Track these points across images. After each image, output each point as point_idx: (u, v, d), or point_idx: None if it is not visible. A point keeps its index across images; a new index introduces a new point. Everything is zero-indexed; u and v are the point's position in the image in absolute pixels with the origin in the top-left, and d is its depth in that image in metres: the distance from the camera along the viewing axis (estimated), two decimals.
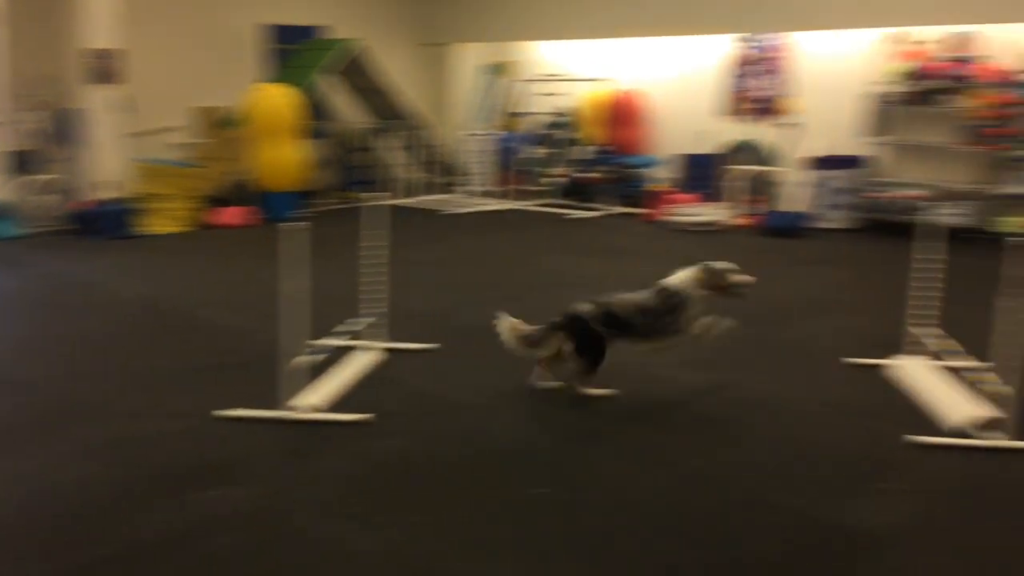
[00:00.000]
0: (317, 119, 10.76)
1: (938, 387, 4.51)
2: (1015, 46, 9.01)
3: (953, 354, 4.74)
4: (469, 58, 13.39)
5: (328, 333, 4.94)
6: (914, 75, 9.39)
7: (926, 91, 9.38)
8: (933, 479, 3.68)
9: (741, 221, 10.13)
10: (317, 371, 4.44)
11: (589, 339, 4.42)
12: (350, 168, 11.78)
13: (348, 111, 11.91)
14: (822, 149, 10.11)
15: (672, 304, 4.54)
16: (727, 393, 4.71)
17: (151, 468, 3.64)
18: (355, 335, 5.07)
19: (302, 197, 10.15)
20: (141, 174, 9.55)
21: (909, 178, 9.71)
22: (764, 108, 10.84)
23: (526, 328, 4.56)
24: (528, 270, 7.87)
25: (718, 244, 9.21)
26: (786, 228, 9.65)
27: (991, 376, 4.09)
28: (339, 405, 4.26)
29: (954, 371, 4.66)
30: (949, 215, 9.16)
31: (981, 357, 4.48)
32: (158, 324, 5.93)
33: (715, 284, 4.63)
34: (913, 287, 4.95)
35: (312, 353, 4.38)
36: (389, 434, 4.01)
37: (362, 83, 11.55)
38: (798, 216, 9.88)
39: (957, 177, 9.43)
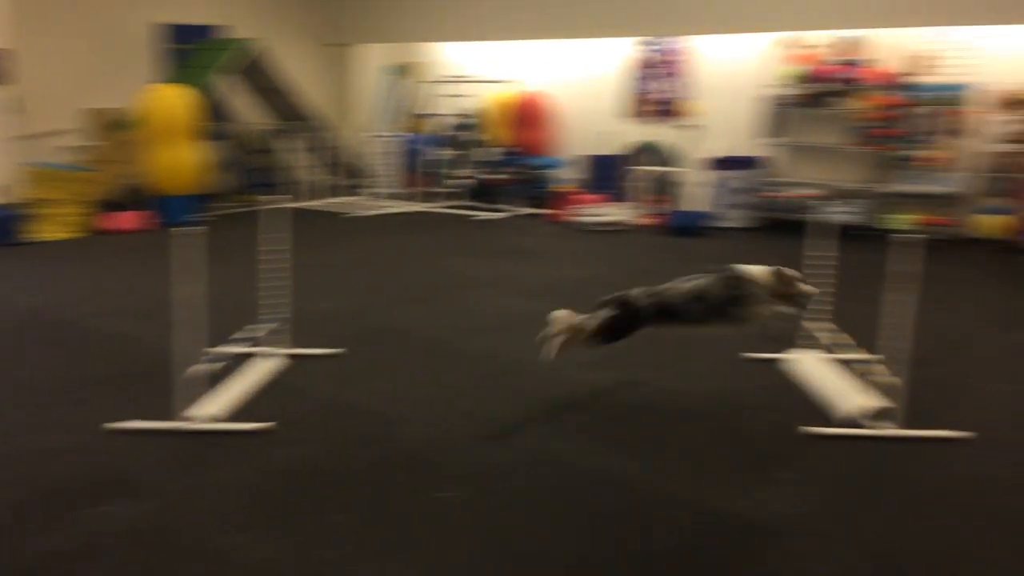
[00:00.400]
0: (215, 120, 10.49)
1: (831, 379, 4.67)
2: (900, 50, 9.41)
3: (845, 347, 4.92)
4: (373, 59, 13.28)
5: (227, 340, 4.80)
6: (806, 78, 9.73)
7: (818, 94, 9.73)
8: (827, 468, 3.79)
9: (645, 221, 10.30)
10: (215, 380, 4.33)
11: (626, 325, 4.42)
12: (250, 170, 11.53)
13: (248, 112, 11.65)
14: (721, 150, 10.37)
15: (735, 293, 4.44)
16: (630, 391, 4.77)
17: (40, 485, 3.47)
18: (256, 341, 4.96)
19: (200, 201, 9.88)
20: (30, 178, 9.15)
21: (803, 178, 10.06)
22: (665, 110, 11.06)
23: (577, 318, 4.55)
24: (435, 272, 7.83)
25: (624, 244, 9.36)
26: (689, 227, 9.86)
27: (880, 368, 4.25)
28: (239, 414, 4.15)
29: (846, 363, 4.84)
30: (841, 213, 9.50)
31: (871, 350, 4.66)
32: (47, 334, 5.68)
33: (783, 290, 4.50)
34: (807, 283, 5.10)
35: (210, 361, 4.26)
36: (292, 442, 3.93)
37: (263, 83, 11.32)
38: (700, 215, 10.11)
39: (848, 176, 9.81)
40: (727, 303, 4.42)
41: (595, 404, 4.57)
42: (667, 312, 4.44)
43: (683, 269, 7.94)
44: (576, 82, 11.70)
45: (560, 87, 11.80)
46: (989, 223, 9.04)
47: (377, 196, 12.24)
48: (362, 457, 3.83)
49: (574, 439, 4.09)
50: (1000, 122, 8.93)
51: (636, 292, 4.47)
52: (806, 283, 4.54)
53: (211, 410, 4.05)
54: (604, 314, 4.44)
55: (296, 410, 4.30)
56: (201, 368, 4.10)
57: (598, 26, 10.91)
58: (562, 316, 4.54)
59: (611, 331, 4.45)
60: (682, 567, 3.01)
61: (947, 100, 9.13)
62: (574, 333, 4.49)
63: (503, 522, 3.27)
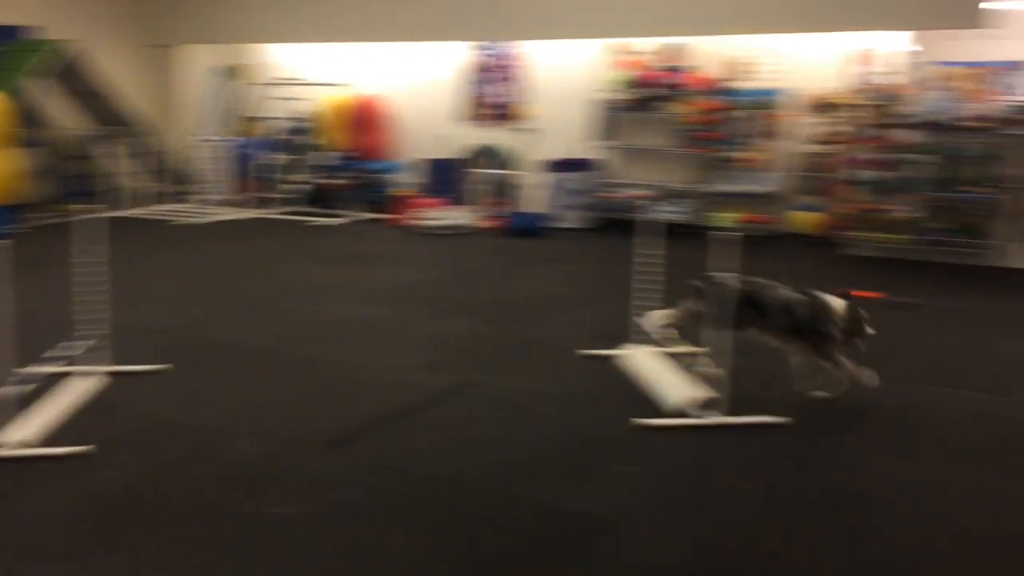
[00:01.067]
0: (28, 126, 9.80)
1: (661, 373, 4.84)
2: (719, 57, 9.90)
3: (673, 341, 5.11)
4: (199, 60, 12.76)
5: (39, 359, 4.49)
6: (634, 83, 10.08)
7: (645, 98, 10.10)
8: (658, 459, 3.93)
9: (485, 223, 10.39)
10: (26, 402, 4.03)
11: (727, 308, 4.35)
12: (68, 178, 10.83)
13: (64, 117, 10.94)
14: (557, 153, 10.60)
15: (820, 320, 4.46)
16: (468, 393, 4.78)
17: None
18: (72, 360, 4.66)
19: (13, 211, 9.20)
20: None
21: (634, 179, 10.42)
22: (502, 114, 11.19)
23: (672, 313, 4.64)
24: (271, 280, 7.61)
25: (464, 246, 9.40)
26: (527, 229, 10.02)
27: (705, 360, 4.44)
28: (54, 438, 3.88)
29: (675, 357, 5.03)
30: (669, 212, 9.91)
31: (697, 343, 4.86)
32: None
33: (853, 327, 4.52)
34: (638, 280, 5.28)
35: (19, 383, 3.96)
36: (113, 465, 3.70)
37: (79, 87, 10.68)
38: (538, 217, 10.29)
39: (675, 177, 10.23)
40: (806, 325, 4.47)
41: (434, 408, 4.55)
42: (755, 305, 4.50)
43: (524, 270, 8.19)
44: (413, 86, 11.66)
45: (397, 90, 11.73)
46: (803, 219, 9.63)
47: (207, 203, 11.78)
48: (190, 477, 3.66)
49: (413, 444, 4.06)
50: (809, 124, 9.55)
51: (730, 279, 4.45)
52: (869, 325, 4.57)
53: (22, 435, 3.77)
54: (700, 309, 4.52)
55: (117, 431, 4.06)
56: (9, 390, 3.81)
57: (431, 30, 10.91)
58: (659, 315, 4.73)
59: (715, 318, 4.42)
60: (518, 565, 3.04)
61: (762, 104, 9.68)
62: (683, 320, 4.65)
63: (341, 533, 3.20)
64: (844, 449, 4.06)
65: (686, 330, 4.78)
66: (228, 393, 4.66)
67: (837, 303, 4.52)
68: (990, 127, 8.08)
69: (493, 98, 11.25)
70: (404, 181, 11.42)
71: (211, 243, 9.40)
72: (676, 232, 8.75)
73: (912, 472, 3.82)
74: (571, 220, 10.50)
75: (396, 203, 10.83)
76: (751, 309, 4.49)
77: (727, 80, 9.85)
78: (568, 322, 6.29)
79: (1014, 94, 9.10)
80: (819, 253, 9.03)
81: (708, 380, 4.35)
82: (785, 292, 4.57)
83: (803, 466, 3.88)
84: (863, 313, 4.57)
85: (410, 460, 3.87)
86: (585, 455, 3.98)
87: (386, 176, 11.44)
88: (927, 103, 8.48)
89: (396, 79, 11.78)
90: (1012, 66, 9.29)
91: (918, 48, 9.06)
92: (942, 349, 5.69)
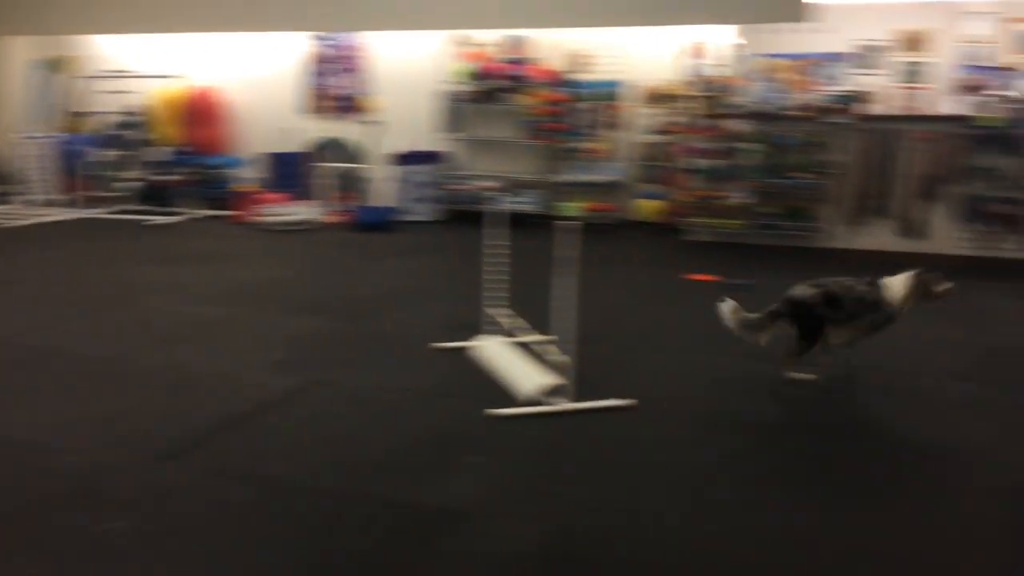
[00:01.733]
0: None
1: (512, 362, 4.88)
2: (560, 49, 10.08)
3: (523, 330, 5.17)
4: (19, 52, 11.91)
5: None
6: (478, 75, 10.12)
7: (489, 90, 10.16)
8: (511, 448, 3.96)
9: (332, 218, 10.20)
10: None
11: (811, 324, 4.63)
12: None
13: None
14: (404, 145, 10.51)
15: (879, 310, 4.74)
16: (318, 392, 4.67)
17: None
18: None
19: None
20: None
21: (482, 170, 10.47)
22: (346, 106, 11.00)
23: (748, 314, 4.75)
24: (104, 283, 7.20)
25: (311, 242, 9.19)
26: (376, 223, 9.90)
27: (554, 348, 4.51)
28: None
29: (525, 346, 5.08)
30: (518, 203, 10.03)
31: (545, 331, 4.93)
32: None
33: (926, 291, 4.78)
34: (487, 271, 5.31)
35: None
36: None
37: None
38: (386, 211, 10.18)
39: (522, 168, 10.35)
40: (869, 309, 4.74)
41: (282, 409, 4.43)
42: (833, 302, 4.71)
43: (373, 265, 8.08)
44: (252, 77, 11.28)
45: (235, 83, 11.32)
46: (647, 207, 9.94)
47: (32, 203, 11.03)
48: (10, 498, 3.41)
49: (259, 448, 3.93)
50: (648, 115, 9.86)
51: (805, 291, 4.74)
52: (944, 283, 4.87)
53: None
54: (792, 333, 4.70)
55: None
56: None
57: (269, 20, 10.56)
58: (731, 308, 4.82)
59: (809, 340, 4.71)
60: (372, 565, 3.00)
61: (603, 96, 9.93)
62: (750, 332, 4.77)
63: (182, 547, 3.06)
64: (685, 428, 4.22)
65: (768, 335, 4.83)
66: (54, 404, 4.37)
67: (898, 280, 4.80)
68: (813, 116, 8.57)
69: (336, 90, 11.04)
70: (246, 176, 11.05)
71: (36, 246, 8.81)
72: (525, 222, 8.87)
73: (750, 443, 4.00)
74: (420, 213, 10.45)
75: (238, 199, 10.47)
76: (829, 310, 4.72)
77: (569, 72, 10.04)
78: (421, 315, 6.25)
79: (834, 84, 9.69)
80: (662, 239, 9.35)
81: (557, 367, 4.42)
82: (851, 283, 4.84)
83: (649, 447, 4.00)
84: (931, 277, 4.85)
85: (256, 465, 3.75)
86: (438, 448, 3.96)
87: (226, 171, 11.04)
88: (754, 94, 8.91)
89: (234, 71, 11.37)
90: (832, 58, 9.89)
91: (744, 41, 9.50)
92: None
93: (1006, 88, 8.98)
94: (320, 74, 11.05)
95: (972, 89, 9.06)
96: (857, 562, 3.02)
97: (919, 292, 4.79)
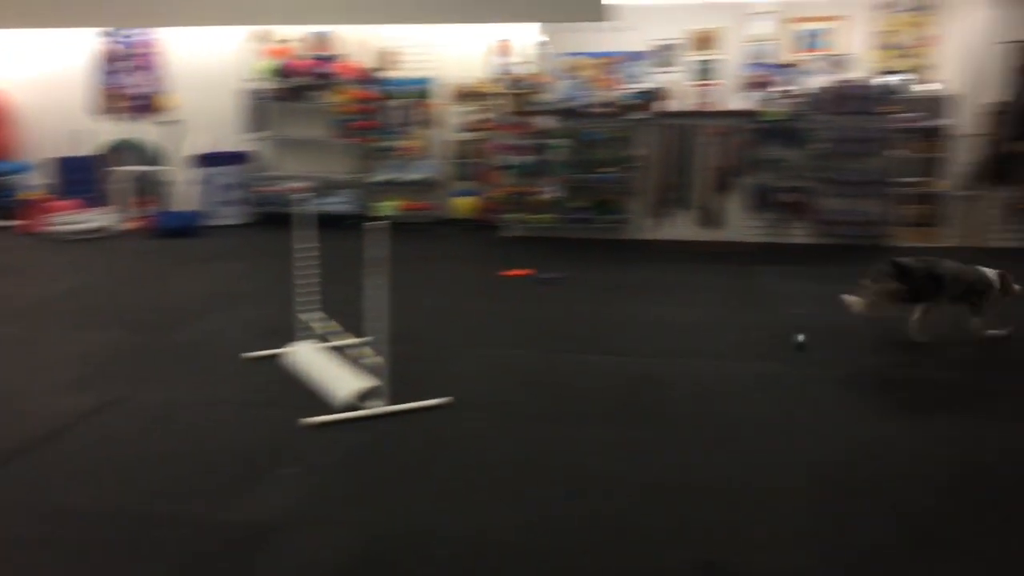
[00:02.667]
0: None
1: (326, 367, 4.77)
2: (368, 46, 9.95)
3: (337, 334, 5.06)
4: None
5: None
6: (282, 72, 9.81)
7: (296, 88, 9.88)
8: (328, 456, 3.87)
9: (131, 224, 9.64)
10: None
11: (913, 287, 5.29)
12: None
13: None
14: (206, 146, 10.05)
15: (981, 287, 5.37)
16: (114, 411, 4.39)
17: None
18: None
19: None
20: None
21: (292, 171, 10.17)
22: (141, 106, 10.40)
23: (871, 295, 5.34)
24: None
25: (109, 251, 8.64)
26: (179, 228, 9.43)
27: (369, 349, 4.44)
28: None
29: (339, 350, 4.98)
30: (331, 204, 9.83)
31: (360, 333, 4.85)
32: None
33: (1007, 288, 5.45)
34: (299, 275, 5.16)
35: None
36: None
37: None
38: (190, 215, 9.72)
39: (335, 168, 10.14)
40: (975, 294, 5.38)
41: (76, 431, 4.12)
42: (935, 279, 5.31)
43: (178, 272, 7.67)
44: (39, 77, 10.45)
45: (20, 83, 10.45)
46: (462, 205, 9.99)
47: None
48: None
49: (48, 477, 3.65)
50: (460, 113, 9.90)
51: (906, 260, 5.38)
52: (1017, 285, 5.50)
53: None
54: (887, 284, 5.32)
55: None
56: None
57: (54, 16, 9.77)
58: (853, 300, 5.40)
59: (904, 293, 5.33)
60: None
61: (415, 93, 9.88)
62: (873, 303, 5.34)
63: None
64: (502, 422, 4.26)
65: (880, 308, 5.40)
66: None
67: (992, 273, 5.45)
68: (616, 113, 8.88)
69: (130, 89, 10.41)
70: (34, 183, 10.23)
71: None
72: (339, 223, 8.70)
73: (565, 435, 4.09)
74: (227, 216, 10.03)
75: (26, 208, 9.68)
76: (932, 282, 5.33)
77: (378, 69, 9.93)
78: (232, 323, 6.00)
79: (635, 82, 10.08)
80: (478, 236, 9.42)
81: (372, 370, 4.35)
82: (952, 264, 5.44)
83: (466, 446, 4.01)
84: (1010, 278, 5.49)
85: (46, 496, 3.47)
86: (249, 462, 3.81)
87: (12, 178, 10.18)
88: (560, 91, 9.14)
89: (18, 70, 10.49)
90: (632, 56, 10.28)
91: (547, 39, 9.72)
92: (582, 318, 6.16)
93: (789, 84, 9.65)
94: (112, 73, 10.38)
95: (758, 86, 9.67)
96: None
97: (1002, 286, 5.47)
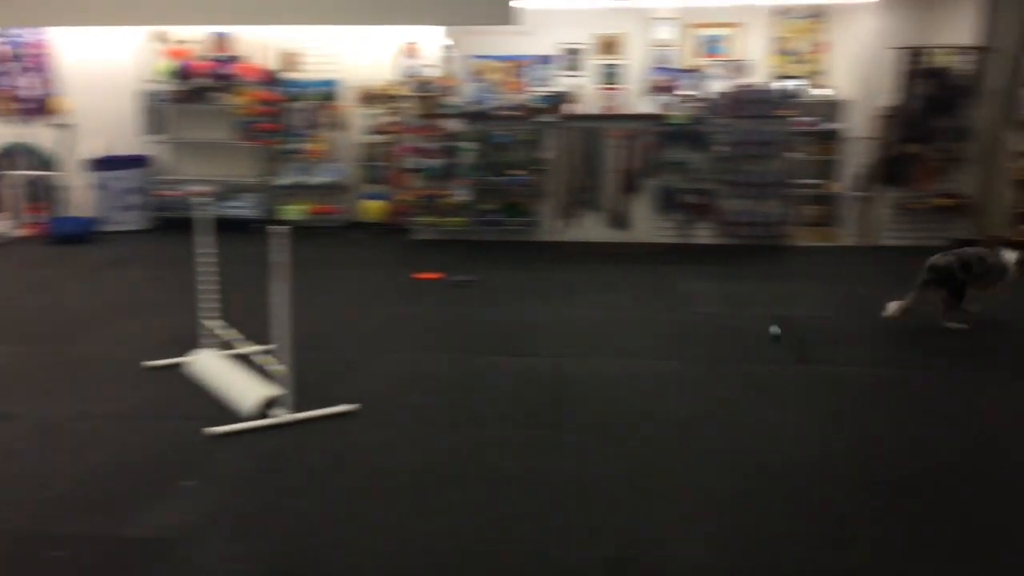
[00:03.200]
0: None
1: (230, 376, 4.65)
2: (271, 47, 9.76)
3: (240, 341, 4.94)
4: None
5: None
6: (182, 74, 9.54)
7: (196, 89, 9.61)
8: (230, 467, 3.77)
9: (24, 231, 9.24)
10: None
11: (956, 284, 5.79)
12: None
13: None
14: (102, 149, 9.70)
15: (999, 268, 5.88)
16: (5, 427, 4.19)
17: None
18: None
19: None
20: None
21: (195, 174, 9.89)
22: (33, 108, 9.96)
23: (907, 301, 5.83)
24: None
25: (0, 259, 8.26)
26: (74, 234, 9.07)
27: (273, 357, 4.34)
28: None
29: (244, 357, 4.86)
30: (236, 208, 9.60)
31: (265, 340, 4.75)
32: None
33: (1021, 271, 5.91)
34: (202, 281, 5.02)
35: None
36: None
37: None
38: (86, 221, 9.35)
39: (239, 171, 9.91)
40: (996, 276, 5.87)
41: None
42: (966, 266, 5.78)
43: (73, 281, 7.38)
44: None
45: None
46: (371, 208, 9.88)
47: None
48: None
49: None
50: (367, 115, 9.80)
51: (944, 258, 5.83)
52: None
53: None
54: (942, 296, 5.82)
55: None
56: None
57: None
58: (894, 306, 5.86)
59: (956, 298, 5.83)
60: None
61: (321, 95, 9.74)
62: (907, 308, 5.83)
63: None
64: (411, 427, 4.23)
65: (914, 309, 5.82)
66: None
67: (1010, 255, 5.93)
68: (524, 116, 8.92)
69: (20, 91, 9.96)
70: None
71: None
72: (245, 228, 8.50)
73: (476, 439, 4.08)
74: (125, 222, 9.69)
75: None
76: (964, 270, 5.79)
77: (282, 71, 9.75)
78: (132, 332, 5.80)
79: (542, 85, 10.15)
80: (389, 240, 9.34)
81: (276, 378, 4.26)
82: (974, 251, 5.93)
83: (373, 452, 3.96)
84: None
85: None
86: (150, 476, 3.69)
87: None
88: (468, 94, 9.13)
89: None
90: (539, 60, 10.36)
91: (454, 43, 9.71)
92: (493, 320, 6.16)
93: (691, 88, 9.86)
94: (1, 74, 9.92)
95: (662, 90, 9.86)
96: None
97: (1016, 274, 5.93)
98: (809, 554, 3.09)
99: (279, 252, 4.06)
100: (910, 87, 8.53)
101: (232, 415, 4.25)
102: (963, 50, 8.52)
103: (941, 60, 8.53)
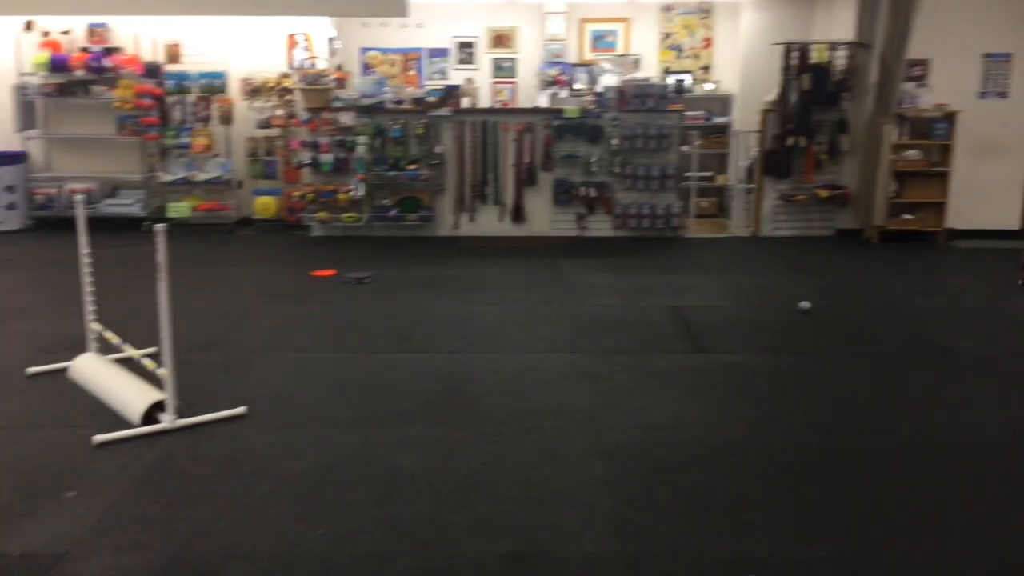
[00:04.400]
0: None
1: (116, 381, 4.45)
2: (153, 39, 9.41)
3: (128, 344, 4.74)
4: None
5: None
6: (57, 66, 9.09)
7: (74, 82, 9.19)
8: (116, 476, 3.61)
9: None
10: None
11: None
12: None
13: None
14: None
15: None
16: None
17: None
18: None
19: None
20: None
21: (76, 171, 9.46)
22: None
23: None
24: None
25: None
26: None
27: (159, 360, 4.18)
28: None
29: (129, 361, 4.67)
30: (122, 206, 9.23)
31: (151, 342, 4.57)
32: None
33: None
34: (86, 283, 4.78)
35: None
36: None
37: None
38: None
39: (124, 167, 9.52)
40: None
41: None
42: None
43: None
44: None
45: None
46: (264, 204, 9.63)
47: None
48: None
49: None
50: (257, 108, 9.54)
51: None
52: None
53: None
54: None
55: None
56: None
57: None
58: None
59: None
60: None
61: (207, 89, 9.43)
62: None
63: None
64: (305, 428, 4.14)
65: None
66: None
67: None
68: (418, 109, 8.84)
69: None
70: None
71: None
72: (132, 226, 8.20)
73: (371, 438, 4.02)
74: (2, 222, 9.19)
75: None
76: None
77: (166, 63, 9.41)
78: (11, 337, 5.50)
79: (436, 78, 10.10)
80: (283, 236, 9.14)
81: (162, 383, 4.10)
82: None
83: (262, 456, 3.85)
84: None
85: None
86: (30, 487, 3.50)
87: None
88: (361, 87, 8.99)
89: None
90: (433, 53, 10.31)
91: (340, 35, 9.56)
92: (390, 317, 6.09)
93: (584, 82, 9.96)
94: None
95: (556, 83, 9.94)
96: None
97: None
98: (705, 541, 3.15)
99: (160, 251, 3.90)
100: (792, 82, 8.83)
101: (120, 421, 4.07)
102: (842, 46, 8.86)
103: (821, 55, 8.85)
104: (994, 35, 8.82)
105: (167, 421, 4.03)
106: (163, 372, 4.02)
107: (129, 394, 4.25)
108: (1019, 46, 8.83)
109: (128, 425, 4.05)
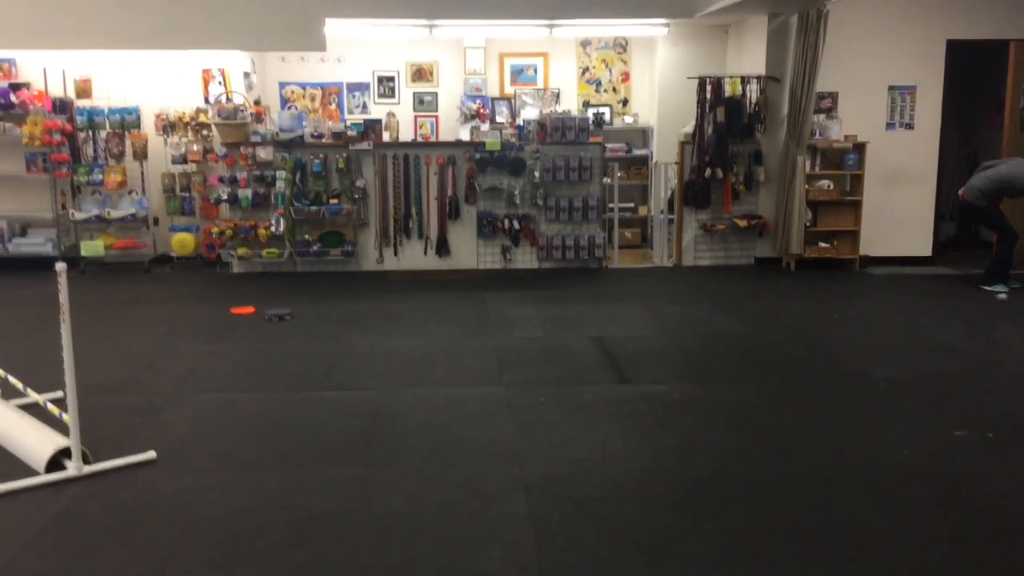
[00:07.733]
0: None
1: (17, 427, 4.24)
2: (63, 73, 9.16)
3: (32, 389, 4.53)
4: None
5: None
6: None
7: None
8: (17, 528, 3.42)
9: None
10: None
11: None
12: None
13: None
14: None
15: None
16: None
17: None
18: None
19: None
20: None
21: None
22: None
23: None
24: None
25: None
26: None
27: (63, 405, 4.00)
28: None
29: (30, 407, 4.46)
30: (32, 245, 8.91)
31: (58, 386, 4.38)
32: None
33: None
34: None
35: None
36: None
37: None
38: None
39: (35, 205, 9.20)
40: None
41: None
42: None
43: None
44: None
45: None
46: (181, 241, 9.41)
47: None
48: None
49: None
50: (173, 144, 9.34)
51: None
52: None
53: None
54: None
55: None
56: None
57: None
58: None
59: None
60: None
61: (121, 124, 9.21)
62: None
63: None
64: (220, 473, 4.00)
65: None
66: None
67: None
68: (338, 143, 8.77)
69: None
70: None
71: None
72: (42, 265, 7.89)
73: (289, 480, 3.90)
74: None
75: None
76: None
77: (77, 98, 9.17)
78: None
79: (357, 112, 10.05)
80: (201, 274, 8.92)
81: (65, 428, 3.92)
82: None
83: (179, 501, 3.70)
84: None
85: None
86: None
87: None
88: (279, 122, 8.88)
89: None
90: (352, 87, 10.26)
91: (259, 69, 9.45)
92: (311, 354, 5.97)
93: (504, 115, 10.03)
94: None
95: (476, 117, 9.98)
96: None
97: None
98: (625, 574, 3.12)
99: (62, 291, 3.74)
100: (707, 114, 9.02)
101: (24, 469, 3.87)
102: (754, 79, 9.10)
103: (735, 88, 9.07)
104: (898, 68, 9.18)
105: (73, 468, 3.85)
106: (67, 417, 3.84)
107: (33, 441, 4.06)
108: (923, 78, 9.20)
109: (33, 473, 3.85)
